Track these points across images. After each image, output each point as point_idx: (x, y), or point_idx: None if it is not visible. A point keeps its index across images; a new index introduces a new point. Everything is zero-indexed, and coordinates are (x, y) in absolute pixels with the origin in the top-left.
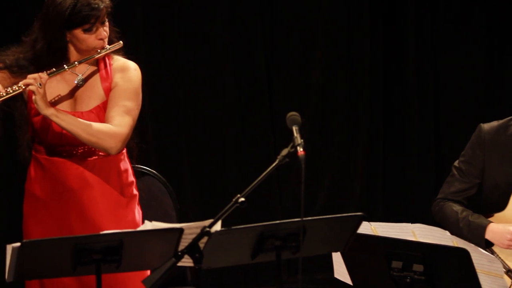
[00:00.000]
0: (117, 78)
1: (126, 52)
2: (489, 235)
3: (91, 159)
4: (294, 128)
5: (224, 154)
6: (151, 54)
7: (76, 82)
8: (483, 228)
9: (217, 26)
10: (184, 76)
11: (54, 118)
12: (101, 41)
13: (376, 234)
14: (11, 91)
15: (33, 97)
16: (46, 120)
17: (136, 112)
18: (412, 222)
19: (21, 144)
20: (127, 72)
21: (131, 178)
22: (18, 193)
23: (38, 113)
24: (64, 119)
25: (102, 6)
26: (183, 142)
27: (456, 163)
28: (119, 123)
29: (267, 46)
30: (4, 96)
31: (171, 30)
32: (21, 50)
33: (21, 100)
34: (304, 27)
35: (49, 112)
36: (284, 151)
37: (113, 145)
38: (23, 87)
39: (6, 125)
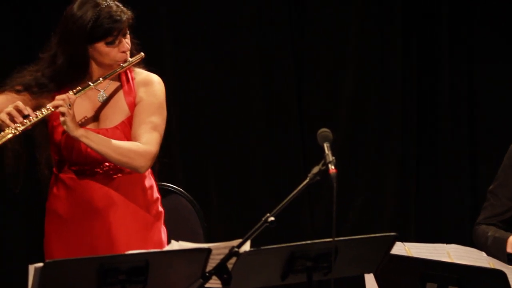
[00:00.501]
0: (141, 92)
1: (148, 64)
2: (509, 248)
3: (116, 176)
4: (326, 145)
5: (252, 172)
6: (175, 66)
7: (99, 98)
8: (504, 241)
9: (245, 38)
10: (210, 89)
11: (84, 140)
12: (124, 54)
13: (410, 255)
14: (40, 114)
15: (62, 118)
16: (69, 138)
17: (162, 127)
18: (447, 243)
19: (40, 163)
20: (151, 86)
21: (156, 194)
22: (37, 212)
23: (61, 132)
24: (93, 139)
25: (124, 18)
26: (209, 159)
27: (490, 188)
28: (148, 140)
29: (297, 60)
30: (34, 120)
31: (197, 41)
32: (38, 68)
33: (41, 120)
34: (334, 40)
35: (78, 133)
36: (315, 169)
37: (143, 164)
38: (53, 109)
39: (24, 144)
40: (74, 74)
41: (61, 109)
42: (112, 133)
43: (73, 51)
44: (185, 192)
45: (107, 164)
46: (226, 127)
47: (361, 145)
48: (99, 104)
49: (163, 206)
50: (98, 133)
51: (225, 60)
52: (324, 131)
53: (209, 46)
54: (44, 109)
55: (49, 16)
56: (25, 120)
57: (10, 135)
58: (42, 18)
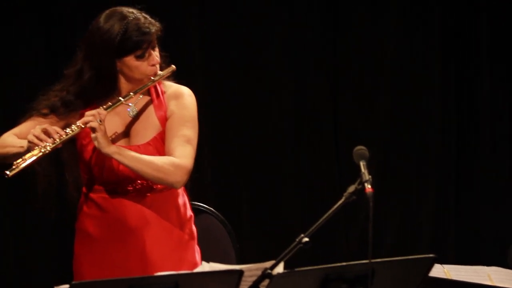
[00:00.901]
0: (172, 105)
1: (178, 77)
2: None
3: (149, 194)
4: (362, 163)
5: (286, 191)
6: (206, 80)
7: (129, 113)
8: None
9: (279, 54)
10: (242, 105)
11: (116, 156)
12: (154, 68)
13: (450, 277)
14: (70, 131)
15: (93, 135)
16: (100, 156)
17: (195, 140)
18: (488, 265)
19: (69, 183)
20: (182, 98)
21: (190, 212)
22: (66, 232)
23: (90, 150)
24: (126, 156)
25: (153, 30)
26: (241, 177)
27: None
28: (182, 154)
29: (332, 76)
30: (63, 138)
31: (229, 56)
32: (63, 86)
33: (69, 139)
34: (371, 56)
35: (111, 150)
36: (351, 188)
37: (179, 178)
38: (83, 126)
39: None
40: (102, 90)
41: (91, 124)
42: (145, 149)
43: (100, 65)
44: (216, 212)
45: (139, 181)
46: (259, 144)
47: (398, 164)
48: (129, 119)
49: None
50: (130, 149)
51: (258, 75)
52: (360, 148)
53: (242, 60)
54: (74, 126)
55: (72, 30)
56: (55, 139)
57: (39, 154)
58: (64, 33)
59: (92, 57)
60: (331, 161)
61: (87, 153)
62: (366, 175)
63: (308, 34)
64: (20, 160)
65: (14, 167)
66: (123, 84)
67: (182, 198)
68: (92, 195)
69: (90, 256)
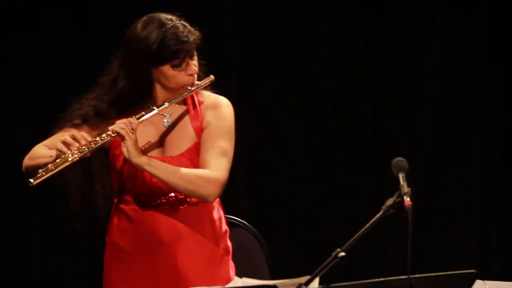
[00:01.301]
0: (209, 116)
1: (215, 86)
2: None
3: (182, 207)
4: (401, 175)
5: (322, 203)
6: (242, 90)
7: (164, 124)
8: None
9: (318, 66)
10: (279, 116)
11: (147, 167)
12: (191, 77)
13: None
14: (100, 140)
15: (123, 144)
16: (132, 167)
17: (231, 153)
18: None
19: (98, 193)
20: (219, 109)
21: (225, 227)
22: (96, 245)
23: (123, 161)
24: (158, 167)
25: (191, 39)
26: (277, 190)
27: None
28: (216, 166)
29: (372, 87)
30: (92, 146)
31: (267, 66)
32: (97, 94)
33: (101, 148)
34: (413, 68)
35: (141, 161)
36: (389, 201)
37: (212, 191)
38: (113, 135)
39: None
40: (137, 99)
41: (121, 131)
42: (179, 161)
43: (136, 73)
44: (249, 226)
45: (173, 194)
46: (295, 156)
47: (440, 176)
48: (164, 129)
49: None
50: (163, 161)
51: (296, 88)
52: (399, 160)
53: (280, 72)
54: (104, 134)
55: (103, 34)
56: (83, 147)
57: (66, 163)
58: (95, 38)
59: (128, 65)
60: (369, 173)
61: (119, 163)
62: (405, 188)
63: (347, 44)
64: (45, 168)
65: (39, 175)
66: (159, 93)
67: (218, 212)
68: (123, 206)
69: (121, 270)
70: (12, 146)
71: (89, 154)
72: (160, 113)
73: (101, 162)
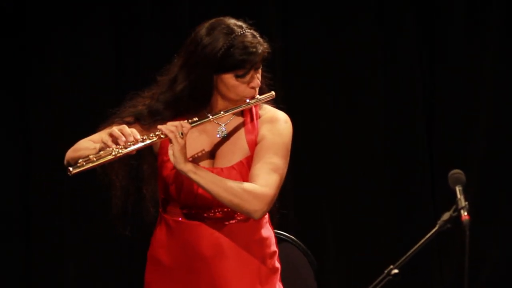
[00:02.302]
0: (265, 130)
1: (277, 101)
2: None
3: (228, 223)
4: (458, 189)
5: (374, 218)
6: (289, 103)
7: (218, 134)
8: None
9: (371, 76)
10: (328, 129)
11: (191, 175)
12: (252, 90)
13: None
14: (147, 138)
15: (170, 148)
16: (179, 176)
17: (284, 170)
18: None
19: (147, 200)
20: (277, 124)
21: (274, 247)
22: (139, 259)
23: (170, 168)
24: (203, 176)
25: (260, 50)
26: (326, 204)
27: None
28: (266, 182)
29: (426, 96)
30: (139, 144)
31: (317, 76)
32: (153, 93)
33: (151, 152)
34: (467, 79)
35: (186, 167)
36: (446, 216)
37: (257, 207)
38: (162, 136)
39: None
40: (194, 103)
41: (170, 134)
42: (228, 173)
43: (197, 78)
44: (297, 241)
45: (219, 208)
46: (345, 169)
47: (498, 189)
48: (217, 140)
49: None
50: (212, 172)
51: (347, 99)
52: (456, 172)
53: (331, 83)
54: (153, 134)
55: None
56: (128, 143)
57: (109, 157)
58: (134, 34)
59: (189, 68)
60: (425, 187)
61: (166, 170)
62: (462, 201)
63: (402, 55)
64: (87, 158)
65: (79, 164)
66: (217, 100)
67: (267, 231)
68: (166, 216)
69: (160, 285)
70: (51, 150)
71: (134, 152)
72: (215, 121)
73: (151, 167)
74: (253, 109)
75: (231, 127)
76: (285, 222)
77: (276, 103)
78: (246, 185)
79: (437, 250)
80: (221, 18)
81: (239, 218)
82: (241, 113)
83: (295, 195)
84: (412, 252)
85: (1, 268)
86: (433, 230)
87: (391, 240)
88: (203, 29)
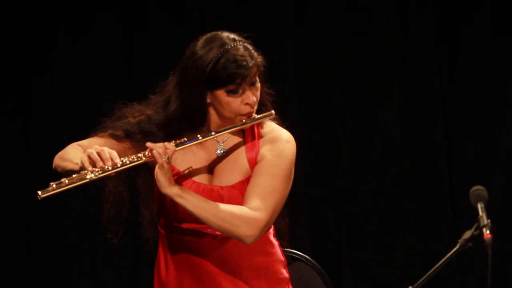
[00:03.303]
0: (265, 150)
1: (281, 118)
2: None
3: (232, 239)
4: (480, 206)
5: (392, 237)
6: (303, 116)
7: (217, 151)
8: None
9: (385, 83)
10: (344, 143)
11: (178, 199)
12: (247, 107)
13: None
14: (128, 162)
15: (156, 170)
16: None
17: (283, 193)
18: None
19: (145, 222)
20: (278, 144)
21: (281, 257)
22: (143, 279)
23: None
24: (190, 200)
25: (251, 64)
26: (341, 221)
27: None
28: (258, 206)
29: (446, 110)
30: (118, 167)
31: (332, 87)
32: (145, 111)
33: (147, 169)
34: (488, 91)
35: (172, 191)
36: (467, 234)
37: (248, 233)
38: (143, 159)
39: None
40: (188, 124)
41: (156, 156)
42: (228, 192)
43: (188, 96)
44: (312, 260)
45: None
46: (362, 186)
47: None
48: (216, 157)
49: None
50: (211, 190)
51: (361, 109)
52: (478, 189)
53: (348, 92)
54: (135, 156)
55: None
56: (106, 166)
57: (83, 181)
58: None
59: (181, 86)
60: (445, 204)
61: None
62: (484, 219)
63: (421, 66)
64: (59, 181)
65: (49, 188)
66: (214, 120)
67: (271, 243)
68: (167, 235)
69: None
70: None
71: (113, 174)
72: (216, 139)
73: (146, 184)
74: (255, 127)
75: (231, 144)
76: (298, 240)
77: (287, 119)
78: (236, 209)
79: (458, 270)
80: (216, 32)
81: None
82: (242, 131)
83: (309, 212)
84: (432, 272)
85: (2, 272)
86: (454, 249)
87: (410, 260)
88: (197, 44)
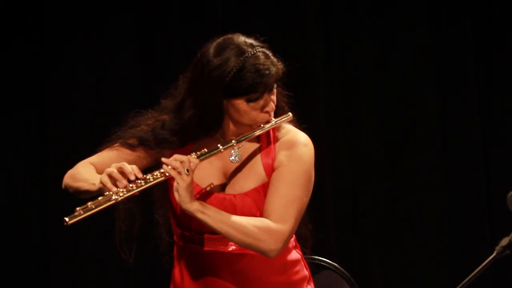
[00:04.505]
0: (282, 156)
1: (299, 121)
2: None
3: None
4: None
5: (424, 243)
6: (334, 123)
7: (231, 158)
8: None
9: (419, 83)
10: (372, 146)
11: (199, 215)
12: (267, 115)
13: None
14: (151, 179)
15: (175, 184)
16: None
17: (303, 200)
18: None
19: (160, 227)
20: (295, 149)
21: (304, 272)
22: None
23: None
24: (211, 215)
25: (273, 72)
26: (370, 227)
27: None
28: (281, 217)
29: (482, 109)
30: (143, 185)
31: (359, 90)
32: (158, 117)
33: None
34: None
35: (193, 207)
36: (504, 241)
37: (272, 247)
38: (167, 175)
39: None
40: (203, 131)
41: (171, 172)
42: (241, 200)
43: (205, 104)
44: (340, 268)
45: None
46: (392, 191)
47: None
48: (230, 164)
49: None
50: (224, 199)
51: (394, 112)
52: None
53: (379, 98)
54: (158, 172)
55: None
56: (130, 185)
57: (108, 203)
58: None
59: (196, 93)
60: (480, 210)
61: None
62: None
63: (456, 68)
64: (85, 206)
65: (76, 213)
66: (230, 126)
67: (293, 255)
68: (182, 245)
69: None
70: (69, 162)
71: (137, 193)
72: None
73: (162, 192)
74: (271, 131)
75: (246, 150)
76: (325, 247)
77: (314, 125)
78: (258, 222)
79: (494, 278)
80: (230, 36)
81: None
82: (257, 137)
83: (336, 219)
84: (468, 280)
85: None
86: (490, 257)
87: (444, 267)
88: (211, 49)
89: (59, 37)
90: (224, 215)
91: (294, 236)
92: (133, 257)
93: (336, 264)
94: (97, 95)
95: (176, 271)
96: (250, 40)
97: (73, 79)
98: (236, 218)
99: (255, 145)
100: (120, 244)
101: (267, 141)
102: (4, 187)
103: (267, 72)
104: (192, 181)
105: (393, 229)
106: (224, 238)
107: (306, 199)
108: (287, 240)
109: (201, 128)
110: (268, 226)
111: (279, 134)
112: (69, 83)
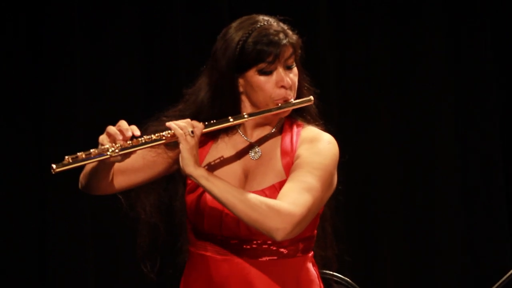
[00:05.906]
0: (303, 149)
1: (325, 122)
2: None
3: (263, 259)
4: None
5: (443, 256)
6: (348, 130)
7: (251, 155)
8: None
9: (436, 90)
10: (389, 152)
11: (203, 181)
12: (283, 90)
13: None
14: (150, 138)
15: (180, 146)
16: (201, 199)
17: (319, 193)
18: None
19: (181, 236)
20: (317, 143)
21: None
22: None
23: (192, 190)
24: (217, 184)
25: (284, 42)
26: (385, 242)
27: None
28: (294, 201)
29: (503, 110)
30: (141, 143)
31: (377, 86)
32: (178, 110)
33: (182, 181)
34: None
35: (197, 172)
36: None
37: (280, 225)
38: (169, 136)
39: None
40: (219, 112)
41: (177, 132)
42: None
43: (218, 80)
44: (353, 284)
45: (254, 241)
46: (408, 199)
47: None
48: (250, 161)
49: None
50: None
51: (411, 114)
52: None
53: (397, 100)
54: (158, 134)
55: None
56: (128, 142)
57: (103, 156)
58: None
59: (211, 71)
60: (502, 215)
61: (191, 195)
62: None
63: (474, 75)
64: (75, 155)
65: (64, 162)
66: (247, 109)
67: (309, 272)
68: (192, 250)
69: None
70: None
71: (134, 153)
72: (247, 140)
73: (182, 199)
74: (295, 128)
75: (266, 147)
76: (337, 260)
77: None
78: (270, 200)
79: None
80: (252, 15)
81: (277, 255)
82: (280, 133)
83: (349, 231)
84: None
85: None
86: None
87: (463, 281)
88: (230, 25)
89: (59, 38)
90: (231, 186)
91: (312, 251)
92: (156, 273)
93: (348, 279)
94: (97, 96)
95: (185, 280)
96: (268, 17)
97: (72, 82)
98: (245, 192)
99: (276, 143)
100: (142, 259)
101: (289, 138)
102: (4, 188)
103: (276, 38)
104: (196, 145)
105: (408, 243)
106: (236, 243)
107: (322, 194)
108: (297, 227)
109: (215, 108)
110: (279, 205)
111: (303, 133)
112: (69, 85)
